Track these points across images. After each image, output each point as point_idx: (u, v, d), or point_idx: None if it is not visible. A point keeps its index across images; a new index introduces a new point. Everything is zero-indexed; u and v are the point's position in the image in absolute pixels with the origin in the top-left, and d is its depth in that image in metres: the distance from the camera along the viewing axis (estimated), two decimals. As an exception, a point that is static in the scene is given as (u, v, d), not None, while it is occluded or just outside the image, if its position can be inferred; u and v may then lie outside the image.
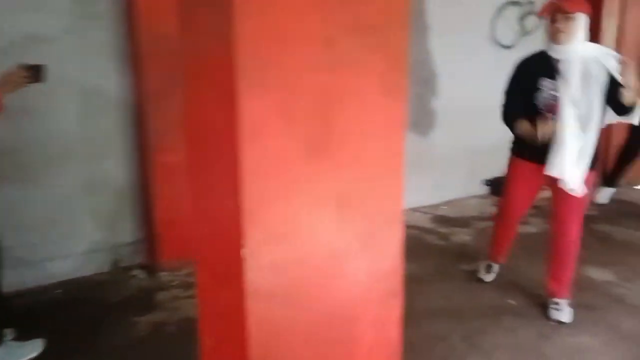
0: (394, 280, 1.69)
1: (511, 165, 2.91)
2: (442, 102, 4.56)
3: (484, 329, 2.75)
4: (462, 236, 4.10)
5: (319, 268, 1.52)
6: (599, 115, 2.52)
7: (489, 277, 3.24)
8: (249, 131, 1.29)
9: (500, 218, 3.11)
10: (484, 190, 4.96)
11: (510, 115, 2.77)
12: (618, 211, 4.51)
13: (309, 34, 1.34)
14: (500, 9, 4.56)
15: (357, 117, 1.47)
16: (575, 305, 2.93)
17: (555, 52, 2.56)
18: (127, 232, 3.43)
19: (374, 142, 1.52)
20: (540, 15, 2.62)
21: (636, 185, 5.67)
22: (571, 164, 2.54)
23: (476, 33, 4.58)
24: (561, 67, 2.54)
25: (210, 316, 1.64)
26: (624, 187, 5.02)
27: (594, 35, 5.05)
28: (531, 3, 4.86)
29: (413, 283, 3.29)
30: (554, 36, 2.53)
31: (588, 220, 4.32)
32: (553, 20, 2.50)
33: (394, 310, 1.73)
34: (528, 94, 2.67)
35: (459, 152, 4.64)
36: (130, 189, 3.41)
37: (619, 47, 5.13)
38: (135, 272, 3.37)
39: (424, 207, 4.78)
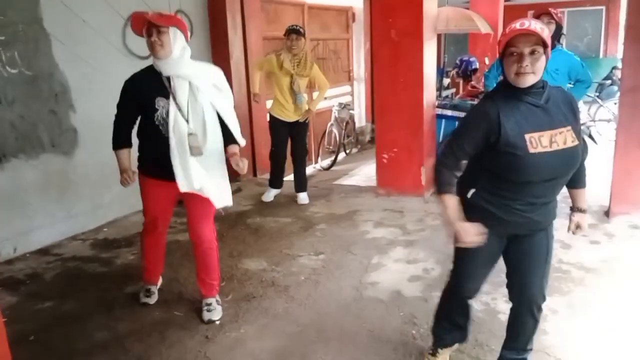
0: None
1: (141, 183, 2.80)
2: (81, 117, 4.21)
3: (151, 350, 2.64)
4: (127, 257, 3.89)
5: None
6: (214, 129, 2.64)
7: (152, 300, 3.11)
8: None
9: (144, 235, 3.02)
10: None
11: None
12: (266, 203, 5.03)
13: None
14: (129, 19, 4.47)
15: None
16: (236, 299, 3.11)
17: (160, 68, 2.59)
18: None
19: None
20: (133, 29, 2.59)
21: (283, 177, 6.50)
22: (200, 178, 2.60)
23: (107, 43, 4.38)
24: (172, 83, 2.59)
25: None
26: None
27: (223, 47, 5.53)
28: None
29: (72, 323, 2.95)
30: (152, 50, 2.55)
31: (243, 216, 4.72)
32: (149, 35, 2.52)
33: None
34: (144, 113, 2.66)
35: (110, 168, 4.36)
36: None
37: (245, 56, 5.74)
38: None
39: (83, 233, 4.38)
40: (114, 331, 2.83)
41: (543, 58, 1.80)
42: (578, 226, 2.11)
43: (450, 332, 2.37)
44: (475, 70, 6.46)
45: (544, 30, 1.79)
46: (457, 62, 6.82)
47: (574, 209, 2.11)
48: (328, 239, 4.07)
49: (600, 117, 7.96)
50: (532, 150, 1.80)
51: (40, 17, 3.94)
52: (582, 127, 5.83)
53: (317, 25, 7.53)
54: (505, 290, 3.10)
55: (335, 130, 7.58)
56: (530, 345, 2.25)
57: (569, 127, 1.87)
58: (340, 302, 3.05)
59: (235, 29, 5.57)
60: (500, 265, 3.44)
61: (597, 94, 9.30)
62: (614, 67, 10.01)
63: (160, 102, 2.57)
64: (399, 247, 3.80)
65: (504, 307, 2.88)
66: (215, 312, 2.90)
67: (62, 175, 4.22)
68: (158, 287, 3.20)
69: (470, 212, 1.96)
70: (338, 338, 2.67)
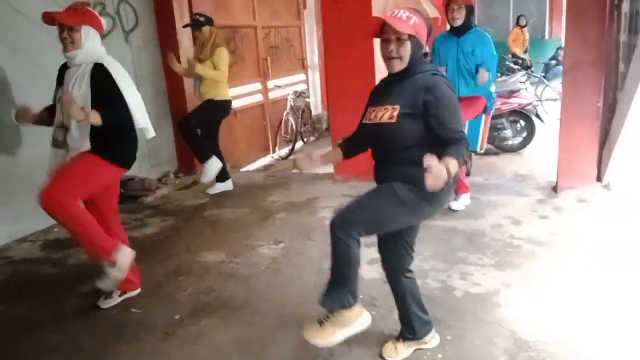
0: None
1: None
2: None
3: (107, 349, 2.57)
4: (79, 256, 3.75)
5: None
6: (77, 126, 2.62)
7: (106, 304, 2.99)
8: None
9: None
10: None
11: None
12: (223, 194, 4.97)
13: None
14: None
15: None
16: (195, 293, 3.08)
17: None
18: None
19: None
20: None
21: (241, 168, 6.45)
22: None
23: (46, 35, 4.17)
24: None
25: None
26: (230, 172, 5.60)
27: (171, 36, 5.39)
28: (101, 4, 4.78)
29: (23, 326, 2.84)
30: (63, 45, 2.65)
31: (200, 209, 4.65)
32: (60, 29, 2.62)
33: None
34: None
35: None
36: None
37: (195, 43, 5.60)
38: None
39: (33, 234, 4.22)
40: (68, 332, 2.74)
41: (408, 44, 1.98)
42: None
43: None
44: (425, 54, 6.53)
45: (411, 19, 1.96)
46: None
47: None
48: (287, 227, 4.06)
49: (546, 97, 8.24)
50: (364, 121, 2.14)
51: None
52: (529, 107, 6.05)
53: (268, 12, 7.44)
54: (460, 268, 3.20)
55: (291, 119, 7.54)
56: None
57: (396, 106, 2.00)
58: (300, 289, 3.05)
59: (182, 18, 5.43)
60: (456, 243, 3.54)
61: (543, 74, 9.61)
62: (559, 48, 10.36)
63: (56, 90, 2.73)
64: (358, 232, 3.83)
65: (460, 284, 2.97)
66: (106, 281, 2.75)
67: (6, 174, 4.03)
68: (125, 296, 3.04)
69: None
70: (299, 324, 2.65)
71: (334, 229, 2.01)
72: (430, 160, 1.71)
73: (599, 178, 4.36)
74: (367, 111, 2.15)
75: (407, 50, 1.99)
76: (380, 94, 2.14)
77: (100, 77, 2.61)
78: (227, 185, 5.06)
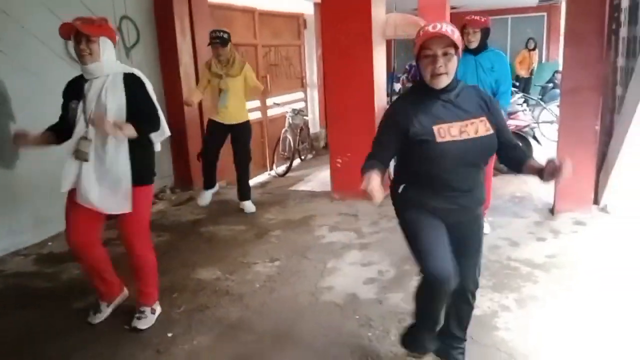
0: None
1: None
2: (22, 126, 4.01)
3: (99, 368, 2.53)
4: (73, 271, 3.72)
5: None
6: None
7: (97, 319, 2.95)
8: None
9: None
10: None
11: None
12: (220, 211, 4.95)
13: None
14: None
15: None
16: (189, 310, 3.04)
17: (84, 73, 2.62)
18: None
19: None
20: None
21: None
22: (92, 188, 2.59)
23: (50, 51, 4.21)
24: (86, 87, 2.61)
25: None
26: (224, 188, 5.59)
27: (172, 53, 5.42)
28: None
29: (14, 341, 2.79)
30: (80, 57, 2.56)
31: (196, 224, 4.62)
32: (77, 42, 2.53)
33: None
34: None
35: (55, 179, 4.19)
36: None
37: (195, 62, 5.66)
38: None
39: (26, 248, 4.17)
40: (61, 349, 2.70)
41: (455, 59, 1.94)
42: (558, 169, 1.91)
43: (431, 338, 2.31)
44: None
45: (455, 32, 1.92)
46: (407, 67, 6.95)
47: (541, 171, 1.99)
48: (283, 245, 4.03)
49: (543, 119, 8.29)
50: (439, 140, 1.93)
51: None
52: (526, 129, 6.06)
53: (269, 31, 7.51)
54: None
55: (289, 137, 7.56)
56: (466, 335, 2.34)
57: (483, 118, 1.99)
58: (295, 308, 3.02)
59: (184, 35, 5.48)
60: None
61: (540, 97, 9.70)
62: (556, 71, 10.47)
63: (72, 104, 2.62)
64: (354, 251, 3.81)
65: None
66: (145, 320, 2.85)
67: (4, 188, 4.01)
68: (114, 305, 3.04)
69: (405, 203, 2.11)
70: (294, 344, 2.64)
71: (467, 295, 2.23)
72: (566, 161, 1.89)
73: (596, 201, 4.36)
74: (435, 130, 1.93)
75: (454, 64, 1.94)
76: (436, 111, 1.96)
77: (139, 87, 2.61)
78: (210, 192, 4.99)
